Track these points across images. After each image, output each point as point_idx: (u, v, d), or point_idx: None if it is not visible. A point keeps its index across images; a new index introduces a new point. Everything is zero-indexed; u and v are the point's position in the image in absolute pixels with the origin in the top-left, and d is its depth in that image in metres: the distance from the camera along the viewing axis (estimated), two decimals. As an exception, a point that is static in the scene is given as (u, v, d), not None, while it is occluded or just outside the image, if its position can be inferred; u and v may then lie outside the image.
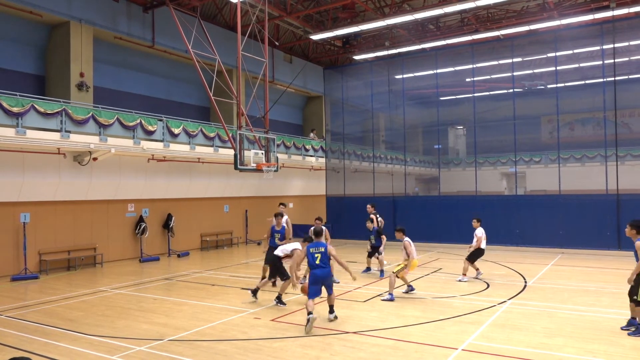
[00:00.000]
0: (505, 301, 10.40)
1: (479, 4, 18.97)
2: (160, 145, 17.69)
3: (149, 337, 8.21)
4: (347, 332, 8.30)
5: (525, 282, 12.60)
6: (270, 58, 24.24)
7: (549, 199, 19.87)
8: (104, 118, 15.78)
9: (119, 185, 17.67)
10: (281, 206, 14.03)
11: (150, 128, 17.24)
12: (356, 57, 26.66)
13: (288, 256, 10.49)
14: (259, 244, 23.06)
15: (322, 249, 8.89)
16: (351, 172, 25.42)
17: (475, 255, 12.75)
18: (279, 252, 10.61)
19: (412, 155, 28.72)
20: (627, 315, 8.40)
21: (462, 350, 7.32)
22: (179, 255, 19.02)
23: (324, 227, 11.63)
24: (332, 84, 26.12)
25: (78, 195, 16.60)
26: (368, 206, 15.23)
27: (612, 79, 18.56)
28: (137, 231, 18.35)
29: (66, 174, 15.93)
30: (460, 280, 12.68)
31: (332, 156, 25.98)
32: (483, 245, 12.66)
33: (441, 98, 23.29)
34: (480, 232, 12.71)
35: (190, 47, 17.09)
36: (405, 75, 23.91)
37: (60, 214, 16.24)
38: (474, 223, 12.95)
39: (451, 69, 23.91)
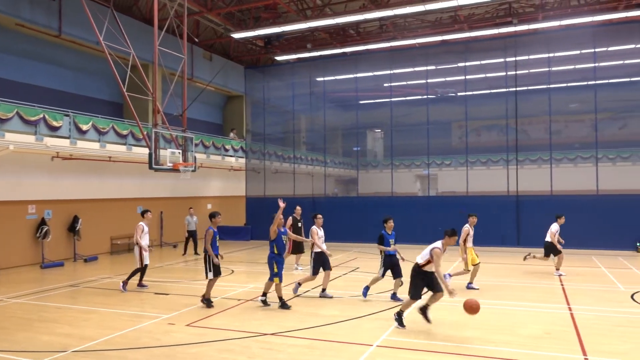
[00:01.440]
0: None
1: (397, 12, 19.68)
2: (66, 142, 16.58)
3: (50, 349, 7.65)
4: (266, 334, 8.26)
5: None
6: (189, 54, 23.54)
7: (458, 200, 21.05)
8: (1, 112, 14.52)
9: (18, 185, 16.34)
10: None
11: (55, 124, 16.10)
12: (278, 58, 26.64)
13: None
14: (174, 246, 22.32)
15: None
16: (272, 173, 25.38)
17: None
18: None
19: (332, 157, 29.18)
20: (527, 306, 9.06)
21: (377, 346, 7.54)
22: (85, 260, 17.94)
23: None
24: (253, 84, 25.93)
25: (-30, 195, 15.16)
26: (298, 208, 15.33)
27: (514, 89, 20.06)
28: (38, 235, 17.04)
29: (-44, 171, 14.50)
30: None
31: (253, 157, 25.79)
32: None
33: (360, 102, 23.91)
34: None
35: (101, 39, 16.14)
36: (326, 78, 24.30)
37: (-51, 215, 14.75)
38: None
39: (370, 73, 24.61)
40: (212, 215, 10.56)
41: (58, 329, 8.85)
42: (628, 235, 17.99)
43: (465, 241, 11.72)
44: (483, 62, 24.06)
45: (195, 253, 19.07)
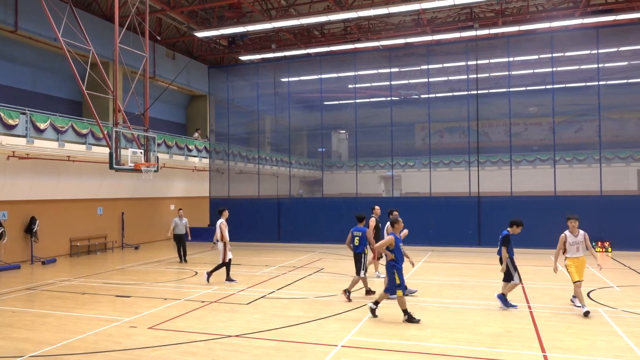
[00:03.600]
0: (381, 298, 10.97)
1: (360, 14, 19.88)
2: (22, 141, 16.00)
3: (5, 355, 7.37)
4: (230, 336, 8.20)
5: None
6: (151, 53, 23.09)
7: (421, 201, 21.42)
8: (-48, 109, 13.90)
9: (-30, 185, 15.68)
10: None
11: (10, 122, 15.52)
12: (242, 58, 26.46)
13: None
14: (136, 248, 21.85)
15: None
16: (236, 174, 25.17)
17: None
18: None
19: (297, 158, 29.19)
20: (488, 305, 9.31)
21: (342, 346, 7.60)
22: (43, 262, 17.35)
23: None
24: (217, 84, 25.66)
25: None
26: (377, 207, 13.81)
27: (475, 92, 20.57)
28: (-7, 236, 16.40)
29: None
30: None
31: (217, 157, 25.52)
32: None
33: (325, 103, 23.98)
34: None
35: (59, 35, 15.63)
36: (291, 79, 24.28)
37: None
38: None
39: (335, 75, 24.75)
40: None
41: (14, 333, 8.54)
42: (584, 236, 18.66)
43: (564, 251, 9.63)
44: (445, 65, 24.60)
45: (184, 260, 17.26)
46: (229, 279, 13.15)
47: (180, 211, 17.76)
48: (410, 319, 8.83)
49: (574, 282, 9.34)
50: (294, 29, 23.63)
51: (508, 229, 10.00)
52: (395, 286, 8.87)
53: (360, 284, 11.32)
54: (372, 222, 13.16)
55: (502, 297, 9.95)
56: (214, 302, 10.76)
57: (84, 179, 19.86)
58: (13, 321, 9.40)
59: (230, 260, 13.14)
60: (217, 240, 13.14)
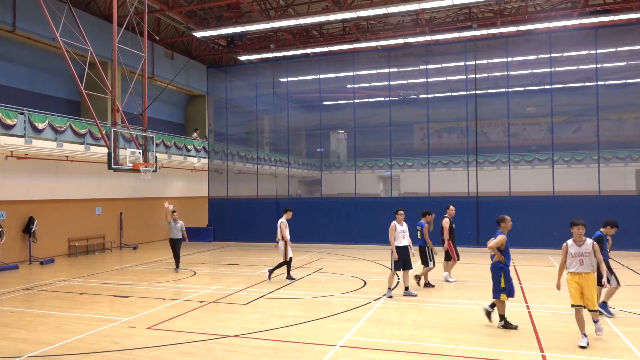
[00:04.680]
0: (380, 297, 10.99)
1: (359, 14, 19.88)
2: (21, 141, 15.97)
3: (4, 355, 7.36)
4: (229, 336, 8.20)
5: (399, 278, 13.42)
6: (149, 53, 23.09)
7: (420, 201, 21.38)
8: (-50, 109, 13.88)
9: (-32, 185, 15.64)
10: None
11: (9, 122, 15.49)
12: (241, 58, 26.44)
13: None
14: (135, 248, 21.83)
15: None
16: (234, 174, 25.17)
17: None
18: None
19: (296, 158, 29.19)
20: (480, 304, 9.30)
21: (340, 346, 7.60)
22: (42, 263, 17.33)
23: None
24: (215, 84, 25.66)
25: None
26: (452, 207, 13.33)
27: (474, 92, 20.58)
28: (-9, 237, 16.37)
29: None
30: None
31: (215, 157, 25.51)
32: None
33: (324, 103, 23.98)
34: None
35: (58, 35, 15.61)
36: (289, 79, 24.28)
37: None
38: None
39: (333, 75, 24.76)
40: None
41: (12, 333, 8.53)
42: (582, 236, 18.69)
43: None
44: (444, 65, 24.61)
45: (177, 268, 15.40)
46: (289, 277, 13.28)
47: (175, 213, 15.62)
48: (506, 324, 8.41)
49: (571, 306, 7.63)
50: (292, 29, 23.62)
51: (601, 229, 9.20)
52: (499, 290, 8.37)
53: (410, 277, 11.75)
54: (446, 222, 12.66)
55: (604, 305, 9.08)
56: (212, 302, 10.76)
57: (83, 179, 19.83)
58: (11, 321, 9.39)
59: (291, 258, 13.33)
60: (279, 240, 13.25)
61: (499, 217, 8.72)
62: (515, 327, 8.38)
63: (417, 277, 12.15)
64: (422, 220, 12.13)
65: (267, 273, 13.43)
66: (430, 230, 12.22)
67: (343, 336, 8.11)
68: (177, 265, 15.41)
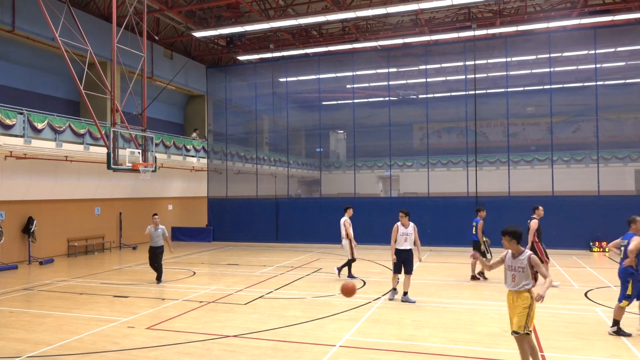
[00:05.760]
0: (379, 297, 11.00)
1: (359, 14, 19.89)
2: (20, 141, 15.96)
3: (3, 355, 7.36)
4: (228, 336, 8.19)
5: (398, 278, 13.41)
6: (149, 52, 23.09)
7: (420, 201, 21.43)
8: (-51, 108, 13.86)
9: (-33, 185, 15.62)
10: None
11: (7, 122, 15.47)
12: (240, 58, 26.44)
13: None
14: (134, 248, 21.82)
15: None
16: (234, 174, 25.17)
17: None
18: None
19: (295, 158, 29.18)
20: (485, 305, 9.33)
21: (340, 346, 7.60)
22: (41, 263, 17.31)
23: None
24: (215, 84, 25.65)
25: None
26: (540, 208, 12.40)
27: (473, 92, 20.59)
28: (-10, 237, 16.34)
29: None
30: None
31: (215, 157, 25.51)
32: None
33: (323, 103, 23.98)
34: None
35: (57, 35, 15.61)
36: (289, 79, 24.28)
37: None
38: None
39: (332, 75, 24.76)
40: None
41: (11, 333, 8.52)
42: (582, 235, 18.74)
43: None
44: (443, 65, 24.62)
45: (159, 280, 13.25)
46: (350, 275, 13.38)
47: (155, 217, 13.56)
48: (619, 331, 7.94)
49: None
50: (292, 29, 23.62)
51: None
52: (625, 296, 7.87)
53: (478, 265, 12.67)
54: (534, 224, 11.78)
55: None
56: (211, 302, 10.75)
57: (82, 179, 19.82)
58: (11, 321, 9.38)
59: (355, 258, 13.45)
60: (343, 238, 13.33)
61: (630, 217, 8.12)
62: (629, 335, 7.90)
63: (480, 273, 13.00)
64: (478, 217, 12.86)
65: (336, 271, 13.55)
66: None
67: (342, 336, 8.11)
68: (159, 278, 13.19)
